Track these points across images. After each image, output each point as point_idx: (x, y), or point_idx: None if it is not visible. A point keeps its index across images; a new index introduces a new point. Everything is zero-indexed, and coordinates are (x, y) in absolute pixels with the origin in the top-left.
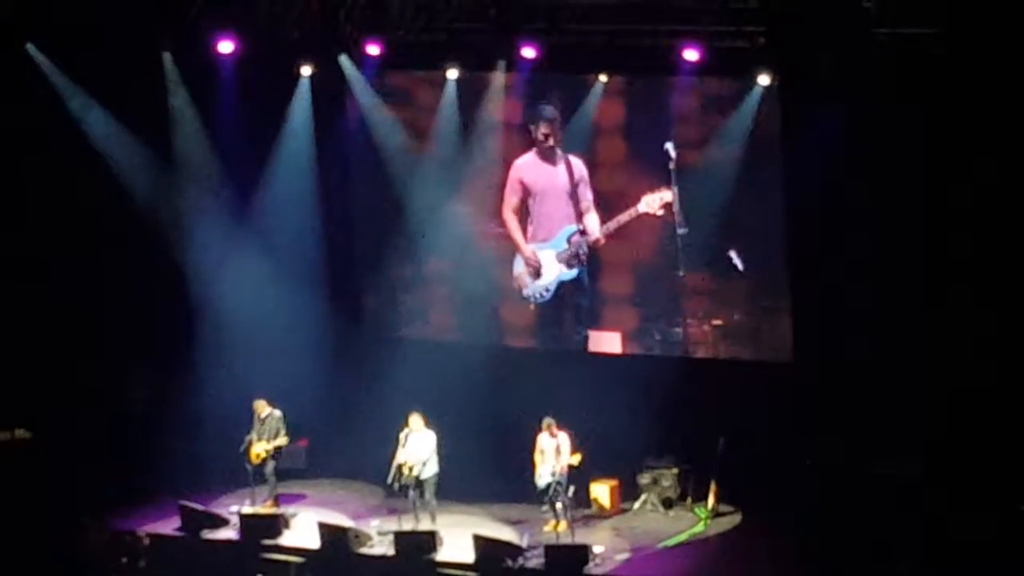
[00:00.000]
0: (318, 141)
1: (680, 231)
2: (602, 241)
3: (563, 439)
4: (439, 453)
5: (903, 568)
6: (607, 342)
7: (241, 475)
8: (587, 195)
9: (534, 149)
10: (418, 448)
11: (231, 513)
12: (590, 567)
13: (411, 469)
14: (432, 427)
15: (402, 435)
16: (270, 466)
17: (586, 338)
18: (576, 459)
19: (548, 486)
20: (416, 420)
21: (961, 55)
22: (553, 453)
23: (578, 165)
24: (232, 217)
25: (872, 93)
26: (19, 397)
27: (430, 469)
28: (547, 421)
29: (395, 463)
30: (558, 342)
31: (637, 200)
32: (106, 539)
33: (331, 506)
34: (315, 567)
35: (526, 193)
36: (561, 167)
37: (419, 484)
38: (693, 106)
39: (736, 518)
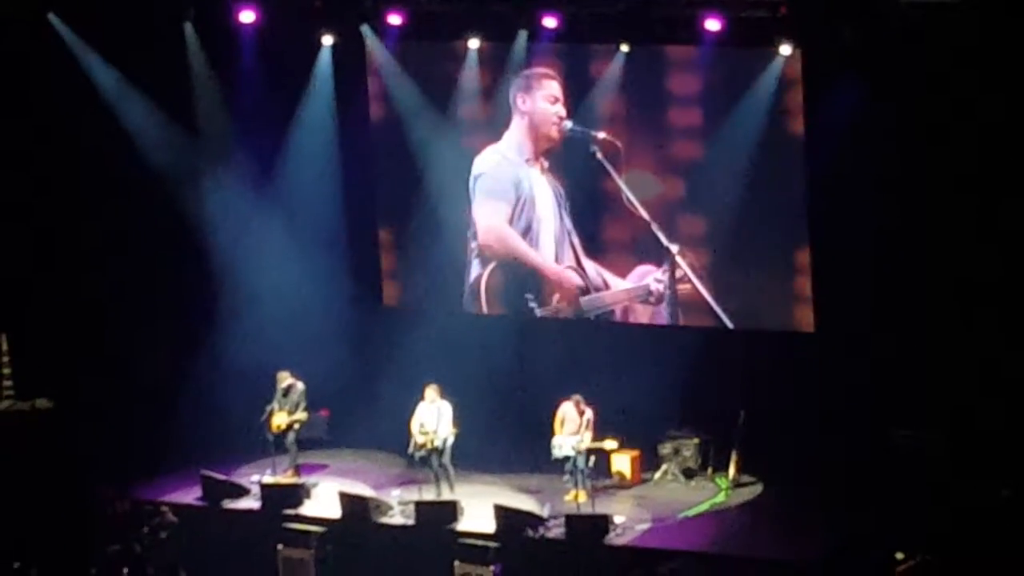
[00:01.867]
0: (339, 111)
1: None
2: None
3: (588, 415)
4: (457, 422)
5: (923, 538)
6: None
7: (262, 445)
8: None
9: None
10: (435, 419)
11: (252, 483)
12: (611, 537)
13: (431, 440)
14: (449, 398)
15: (419, 407)
16: (291, 436)
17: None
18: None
19: (567, 457)
20: (432, 391)
21: (983, 25)
22: (577, 425)
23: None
24: (253, 188)
25: (893, 62)
26: (40, 367)
27: (447, 437)
28: (576, 397)
29: (413, 434)
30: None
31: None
32: (128, 509)
33: (352, 476)
34: (336, 537)
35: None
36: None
37: (437, 452)
38: (715, 77)
39: (757, 488)
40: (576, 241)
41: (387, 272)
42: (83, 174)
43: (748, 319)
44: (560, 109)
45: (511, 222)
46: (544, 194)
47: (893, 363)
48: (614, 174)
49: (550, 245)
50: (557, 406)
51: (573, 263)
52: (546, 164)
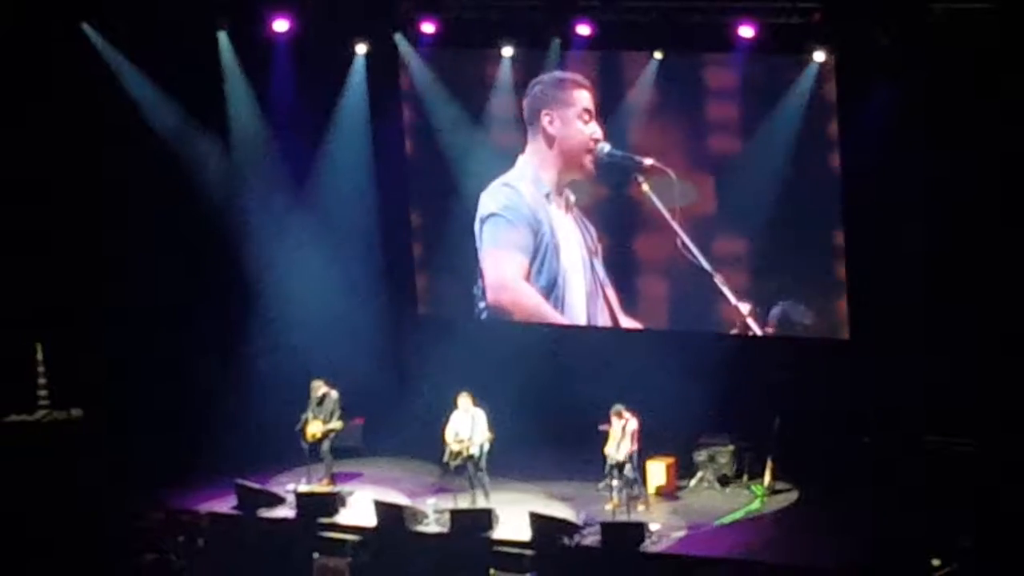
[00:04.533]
0: (373, 119)
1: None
2: None
3: (631, 425)
4: (492, 428)
5: (961, 543)
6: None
7: (297, 454)
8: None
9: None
10: (469, 427)
11: (287, 492)
12: (646, 545)
13: (466, 448)
14: (483, 405)
15: (453, 416)
16: (326, 445)
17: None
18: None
19: (612, 466)
20: (464, 400)
21: (1015, 30)
22: (619, 435)
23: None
24: (287, 196)
25: (928, 69)
26: (75, 377)
27: (482, 443)
28: (617, 408)
29: (448, 443)
30: None
31: None
32: (163, 518)
33: (387, 484)
34: (371, 545)
35: None
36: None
37: (472, 460)
38: (749, 84)
39: (792, 495)
40: (612, 295)
41: (421, 280)
42: (116, 183)
43: (783, 326)
44: (595, 129)
45: (528, 277)
46: (570, 238)
47: (928, 369)
48: (665, 212)
49: (580, 304)
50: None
51: (608, 323)
52: (571, 198)
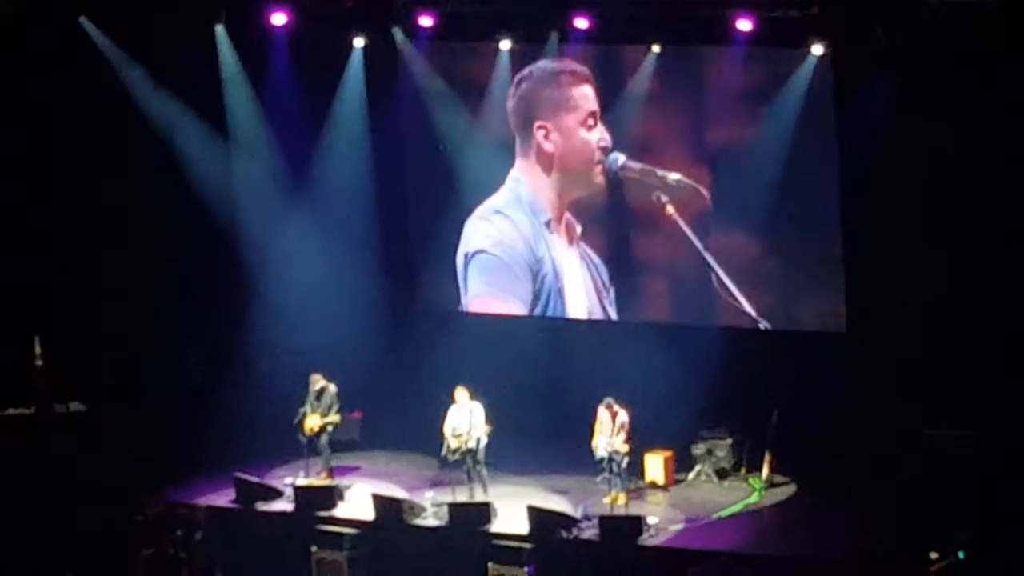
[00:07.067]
0: (371, 113)
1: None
2: None
3: (621, 417)
4: (491, 420)
5: (960, 537)
6: None
7: (295, 447)
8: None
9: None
10: (467, 421)
11: (285, 485)
12: (644, 538)
13: (465, 442)
14: (481, 399)
15: (450, 410)
16: (324, 438)
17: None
18: (624, 448)
19: (602, 459)
20: (461, 393)
21: (1016, 23)
22: (610, 427)
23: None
24: (285, 190)
25: (926, 62)
26: (76, 370)
27: (480, 437)
28: (607, 400)
29: (446, 437)
30: None
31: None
32: (161, 511)
33: (385, 478)
34: (369, 538)
35: None
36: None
37: (471, 453)
38: (747, 78)
39: (790, 488)
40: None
41: (419, 274)
42: (113, 177)
43: (781, 319)
44: (602, 136)
45: None
46: (576, 279)
47: (926, 362)
48: (693, 238)
49: None
50: (595, 410)
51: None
52: (577, 229)
